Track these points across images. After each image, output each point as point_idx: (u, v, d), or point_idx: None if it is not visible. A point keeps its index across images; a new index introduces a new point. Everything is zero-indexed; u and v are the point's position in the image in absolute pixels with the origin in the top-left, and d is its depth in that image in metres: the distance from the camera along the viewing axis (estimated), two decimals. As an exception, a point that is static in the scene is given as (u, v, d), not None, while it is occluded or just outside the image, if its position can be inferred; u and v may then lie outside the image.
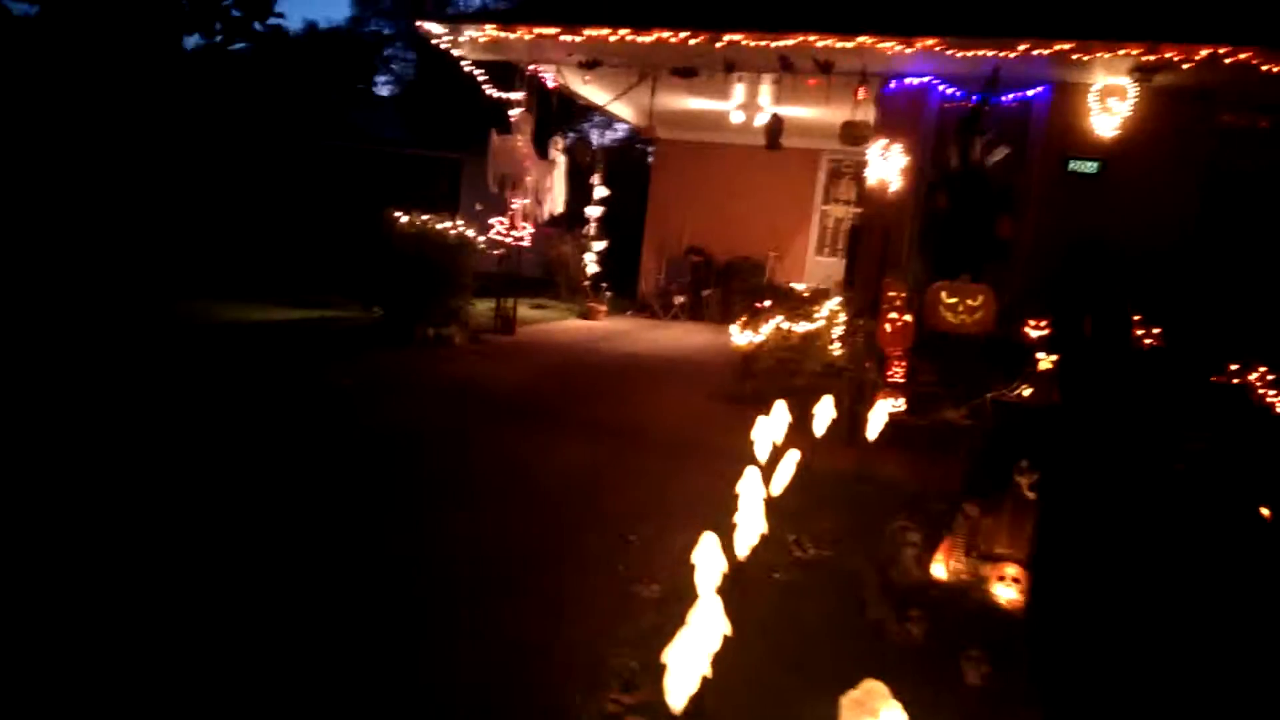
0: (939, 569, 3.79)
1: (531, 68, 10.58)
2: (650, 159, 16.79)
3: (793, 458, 4.11)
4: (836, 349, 7.03)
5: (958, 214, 7.85)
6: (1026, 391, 6.40)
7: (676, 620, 3.14)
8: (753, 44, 8.67)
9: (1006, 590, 3.65)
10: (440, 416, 6.15)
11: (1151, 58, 7.83)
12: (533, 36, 9.53)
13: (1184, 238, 7.95)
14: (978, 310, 7.39)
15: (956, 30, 8.16)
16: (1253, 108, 8.30)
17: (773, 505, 3.98)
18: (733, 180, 14.42)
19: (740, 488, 4.01)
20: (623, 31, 8.92)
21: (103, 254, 12.20)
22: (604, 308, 13.21)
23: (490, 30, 9.67)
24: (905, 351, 6.52)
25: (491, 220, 10.33)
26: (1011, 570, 3.71)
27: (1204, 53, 7.60)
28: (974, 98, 8.33)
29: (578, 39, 9.33)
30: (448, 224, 9.32)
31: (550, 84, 11.09)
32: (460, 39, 9.98)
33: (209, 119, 16.01)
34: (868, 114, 9.35)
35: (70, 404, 5.50)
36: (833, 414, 5.39)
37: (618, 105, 12.76)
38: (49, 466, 4.36)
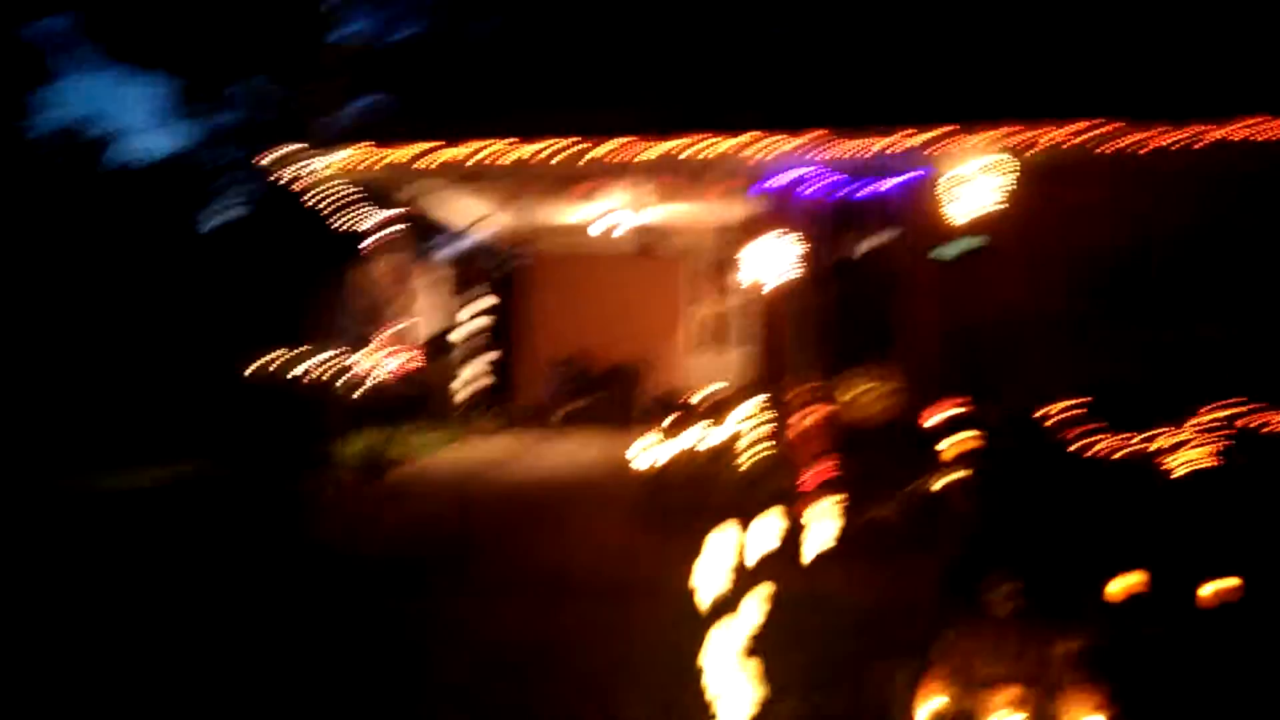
0: (932, 705, 3.35)
1: (401, 188, 10.14)
2: (512, 271, 16.38)
3: (759, 594, 3.64)
4: (751, 456, 6.67)
5: (849, 303, 7.80)
6: (945, 480, 6.18)
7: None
8: (642, 149, 8.56)
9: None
10: (328, 593, 5.23)
11: (1026, 136, 8.20)
12: (407, 154, 9.13)
13: (1074, 311, 8.16)
14: (883, 400, 7.23)
15: (838, 122, 8.34)
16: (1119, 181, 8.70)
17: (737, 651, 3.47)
18: (608, 286, 14.17)
19: (709, 645, 3.47)
20: (505, 142, 8.68)
21: None
22: (485, 426, 12.49)
23: (359, 151, 9.21)
24: (824, 451, 6.22)
25: (362, 351, 9.64)
26: (1009, 695, 3.34)
27: (1075, 128, 8.04)
28: (855, 186, 8.42)
29: (456, 154, 8.99)
30: (312, 360, 8.57)
31: (419, 203, 10.66)
32: (322, 163, 9.45)
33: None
34: (748, 209, 9.32)
35: None
36: (767, 532, 4.98)
37: (488, 217, 12.45)
38: None
